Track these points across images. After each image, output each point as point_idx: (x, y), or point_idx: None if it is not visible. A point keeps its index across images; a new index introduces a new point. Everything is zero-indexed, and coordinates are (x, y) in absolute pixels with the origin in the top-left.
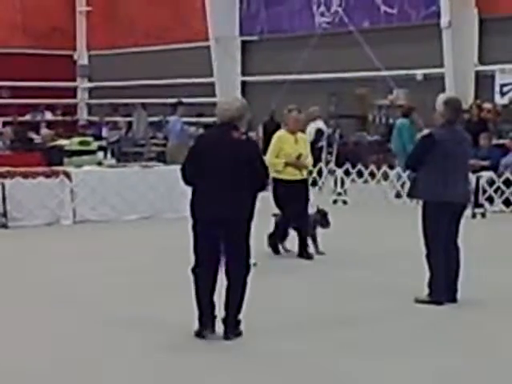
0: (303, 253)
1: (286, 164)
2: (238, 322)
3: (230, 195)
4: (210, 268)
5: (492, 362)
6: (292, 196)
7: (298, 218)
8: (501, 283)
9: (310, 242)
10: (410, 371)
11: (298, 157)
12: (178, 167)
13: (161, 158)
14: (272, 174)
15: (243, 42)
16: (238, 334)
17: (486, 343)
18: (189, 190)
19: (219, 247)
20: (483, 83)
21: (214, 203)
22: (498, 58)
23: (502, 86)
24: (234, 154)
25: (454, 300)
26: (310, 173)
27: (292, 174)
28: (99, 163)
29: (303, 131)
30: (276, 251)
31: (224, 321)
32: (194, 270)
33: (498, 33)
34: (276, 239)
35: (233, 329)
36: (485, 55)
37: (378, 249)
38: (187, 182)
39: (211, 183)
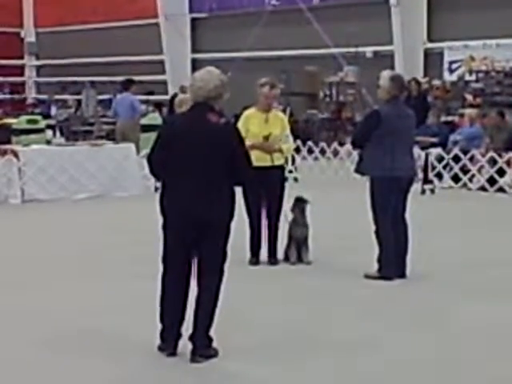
0: (270, 258)
1: (252, 147)
2: (210, 340)
3: (206, 191)
4: (180, 277)
5: (440, 334)
6: (261, 187)
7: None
8: (448, 258)
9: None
10: (360, 345)
11: (267, 137)
12: (127, 145)
13: (110, 136)
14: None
15: (193, 19)
16: (211, 355)
17: (435, 317)
18: (143, 171)
19: (193, 252)
20: (432, 60)
21: (187, 201)
22: (446, 36)
23: (451, 63)
24: (211, 141)
25: (402, 275)
26: (287, 160)
27: (260, 160)
28: (48, 142)
29: (284, 110)
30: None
31: (192, 338)
32: (162, 279)
33: (447, 10)
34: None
35: (203, 349)
36: (433, 32)
37: (329, 226)
38: (155, 174)
39: (184, 177)
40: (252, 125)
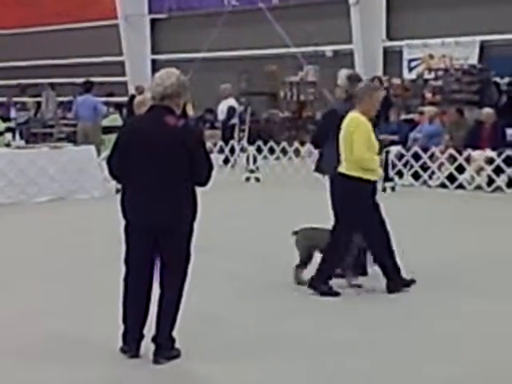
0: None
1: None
2: (173, 341)
3: (165, 194)
4: (143, 278)
5: (405, 334)
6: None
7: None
8: (412, 255)
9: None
10: (318, 345)
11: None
12: (88, 147)
13: (71, 138)
14: (355, 173)
15: (152, 20)
16: (173, 356)
17: (399, 316)
18: (104, 173)
19: (155, 254)
20: (391, 59)
21: (147, 205)
22: (405, 34)
23: (410, 61)
24: (169, 144)
25: (364, 273)
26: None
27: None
28: (7, 145)
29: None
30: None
31: (155, 340)
32: (125, 281)
33: (405, 9)
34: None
35: (166, 350)
36: (392, 31)
37: (290, 224)
38: (115, 176)
39: (143, 181)
40: (371, 132)
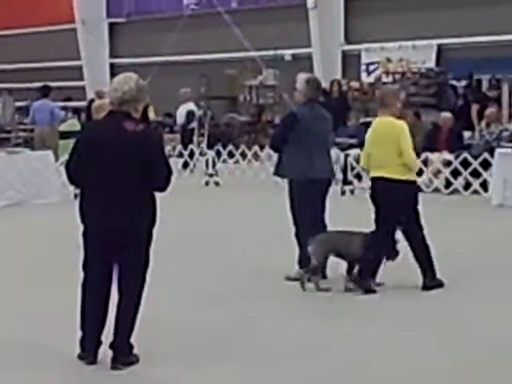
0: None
1: None
2: (131, 347)
3: (124, 199)
4: (101, 284)
5: (362, 332)
6: None
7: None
8: None
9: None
10: (281, 345)
11: None
12: (45, 152)
13: (28, 143)
14: (404, 176)
15: (110, 24)
16: (131, 362)
17: (357, 315)
18: (62, 178)
19: (113, 259)
20: (350, 62)
21: (105, 210)
22: (363, 38)
23: (368, 64)
24: (127, 149)
25: (323, 276)
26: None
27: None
28: None
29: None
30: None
31: (113, 345)
32: (83, 286)
33: (363, 13)
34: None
35: (124, 356)
36: (351, 35)
37: (251, 228)
38: (73, 182)
39: (101, 186)
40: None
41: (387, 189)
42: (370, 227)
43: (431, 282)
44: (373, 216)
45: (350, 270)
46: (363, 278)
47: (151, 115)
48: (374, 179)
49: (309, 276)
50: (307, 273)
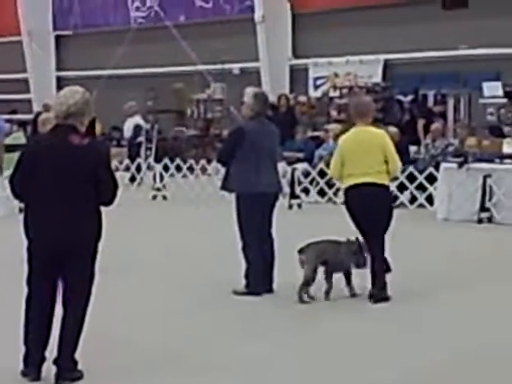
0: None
1: None
2: (75, 363)
3: (69, 214)
4: (45, 300)
5: (304, 342)
6: None
7: None
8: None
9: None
10: (230, 360)
11: None
12: None
13: None
14: (388, 182)
15: (57, 37)
16: (75, 378)
17: (299, 327)
18: (6, 192)
19: (58, 274)
20: (297, 77)
21: (50, 225)
22: (311, 52)
23: (316, 79)
24: (73, 163)
25: (270, 290)
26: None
27: None
28: None
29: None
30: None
31: (56, 362)
32: (26, 302)
33: (311, 28)
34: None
35: (68, 372)
36: (298, 49)
37: (198, 242)
38: (17, 196)
39: (47, 200)
40: None
41: (377, 194)
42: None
43: (380, 293)
44: (351, 223)
45: (348, 282)
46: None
47: (98, 129)
48: (360, 185)
49: (305, 291)
50: (302, 290)
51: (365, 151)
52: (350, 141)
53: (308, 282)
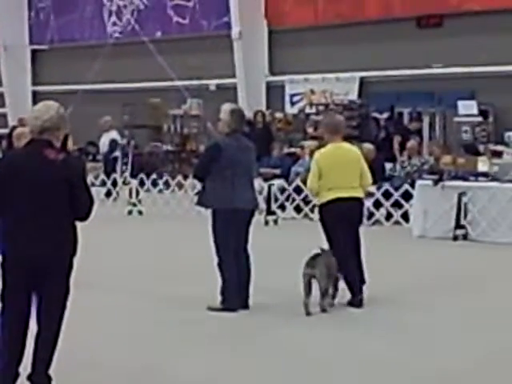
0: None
1: None
2: (49, 379)
3: (45, 230)
4: (19, 314)
5: (283, 360)
6: None
7: None
8: (289, 288)
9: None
10: (206, 378)
11: None
12: None
13: None
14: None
15: (33, 51)
16: None
17: (277, 345)
18: None
19: (32, 290)
20: (274, 93)
21: (25, 239)
22: (287, 69)
23: (292, 96)
24: (49, 178)
25: (246, 306)
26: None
27: None
28: None
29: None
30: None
31: (30, 378)
32: (1, 316)
33: (287, 45)
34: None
35: None
36: (275, 66)
37: (174, 258)
38: None
39: (22, 215)
40: None
41: (358, 207)
42: (295, 256)
43: (361, 297)
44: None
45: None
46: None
47: (70, 145)
48: (343, 199)
49: (329, 303)
50: (324, 301)
51: (343, 166)
52: (327, 156)
53: (327, 291)
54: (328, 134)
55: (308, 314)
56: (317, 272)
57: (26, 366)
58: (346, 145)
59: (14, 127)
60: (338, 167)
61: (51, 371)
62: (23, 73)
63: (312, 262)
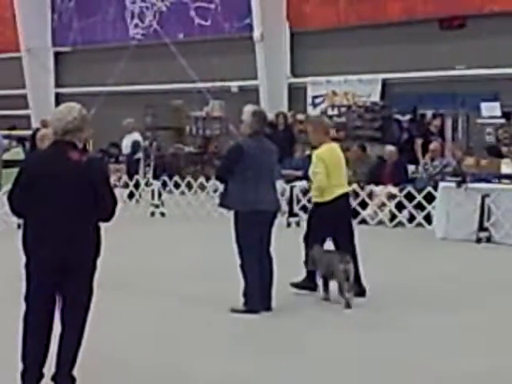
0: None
1: None
2: (73, 380)
3: (69, 231)
4: (44, 316)
5: (305, 363)
6: None
7: None
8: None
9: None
10: (231, 378)
11: None
12: None
13: None
14: None
15: (56, 53)
16: None
17: (300, 346)
18: (4, 208)
19: (57, 290)
20: (296, 95)
21: (50, 240)
22: (309, 71)
23: (314, 97)
24: (73, 179)
25: (268, 308)
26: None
27: None
28: None
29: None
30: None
31: (54, 378)
32: (25, 318)
33: (309, 46)
34: None
35: None
36: (297, 68)
37: (196, 259)
38: (16, 212)
39: (46, 216)
40: None
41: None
42: None
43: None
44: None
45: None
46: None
47: (89, 148)
48: (343, 195)
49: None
50: (349, 295)
51: (340, 164)
52: (328, 155)
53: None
54: (322, 135)
55: (348, 306)
56: (352, 266)
57: (50, 367)
58: (336, 145)
59: (37, 129)
60: (337, 165)
61: (75, 370)
62: (46, 75)
63: (345, 257)
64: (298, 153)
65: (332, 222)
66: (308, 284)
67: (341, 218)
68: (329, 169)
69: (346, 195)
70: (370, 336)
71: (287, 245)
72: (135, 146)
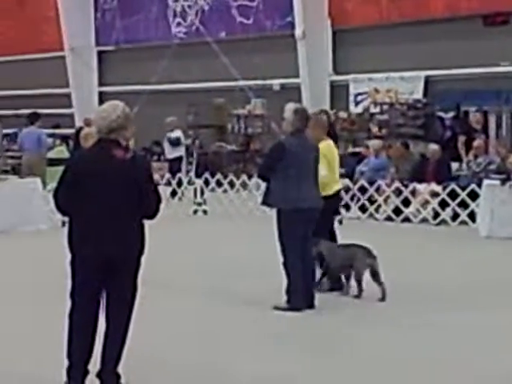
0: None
1: None
2: (118, 376)
3: (114, 228)
4: (89, 313)
5: (350, 361)
6: None
7: None
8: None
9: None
10: (274, 376)
11: None
12: (33, 179)
13: (16, 170)
14: None
15: (99, 52)
16: None
17: (344, 344)
18: (49, 206)
19: (102, 288)
20: (338, 93)
21: (95, 238)
22: (351, 68)
23: (356, 95)
24: (118, 177)
25: (311, 306)
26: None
27: None
28: None
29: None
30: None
31: (99, 375)
32: (70, 315)
33: (351, 44)
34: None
35: None
36: (339, 65)
37: (239, 257)
38: (61, 210)
39: (91, 214)
40: None
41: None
42: None
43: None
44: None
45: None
46: None
47: (131, 146)
48: (339, 191)
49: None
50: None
51: (337, 161)
52: (329, 151)
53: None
54: (321, 132)
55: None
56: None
57: (95, 363)
58: (332, 142)
59: (81, 127)
60: (335, 160)
61: (119, 368)
62: (90, 74)
63: (371, 252)
64: (340, 151)
65: (328, 216)
66: (333, 285)
67: (335, 213)
68: (330, 165)
69: (339, 190)
70: (411, 334)
71: None
72: (175, 140)
